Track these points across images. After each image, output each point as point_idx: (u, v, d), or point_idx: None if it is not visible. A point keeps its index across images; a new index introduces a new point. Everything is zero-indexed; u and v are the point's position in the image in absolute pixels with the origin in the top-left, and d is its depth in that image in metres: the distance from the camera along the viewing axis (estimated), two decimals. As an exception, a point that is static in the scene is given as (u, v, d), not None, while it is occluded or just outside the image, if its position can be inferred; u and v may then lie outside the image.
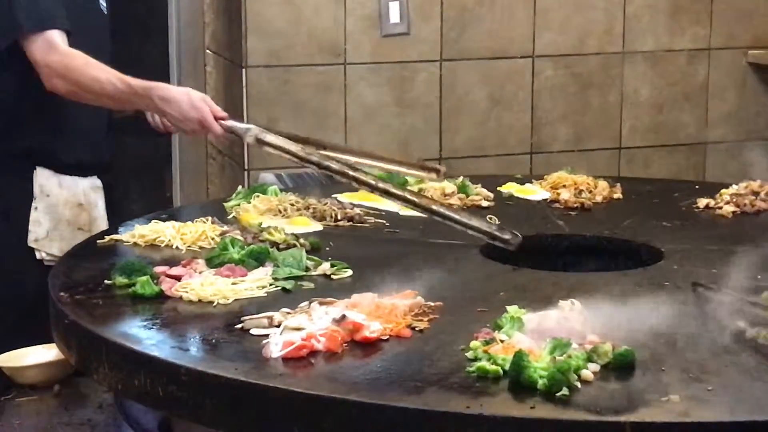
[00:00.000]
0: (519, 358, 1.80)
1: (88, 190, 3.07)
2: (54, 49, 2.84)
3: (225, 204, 3.06)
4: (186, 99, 2.80)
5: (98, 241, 2.73)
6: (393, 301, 2.16)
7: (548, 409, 1.72)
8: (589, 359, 1.86)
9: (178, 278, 2.35)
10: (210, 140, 4.60)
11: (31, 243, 2.98)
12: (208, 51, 4.63)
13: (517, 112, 4.45)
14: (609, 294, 2.22)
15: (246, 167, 4.17)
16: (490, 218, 2.85)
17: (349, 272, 2.45)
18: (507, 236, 2.64)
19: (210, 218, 2.81)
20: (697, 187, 3.41)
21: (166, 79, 4.43)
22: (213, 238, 2.68)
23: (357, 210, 2.98)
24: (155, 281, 2.31)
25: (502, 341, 1.93)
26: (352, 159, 2.95)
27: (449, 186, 3.18)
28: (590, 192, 3.22)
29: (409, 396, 1.78)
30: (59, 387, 2.56)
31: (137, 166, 5.56)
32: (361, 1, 4.18)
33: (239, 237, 2.61)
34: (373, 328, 2.01)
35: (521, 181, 3.38)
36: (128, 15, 4.87)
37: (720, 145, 4.72)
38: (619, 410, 1.72)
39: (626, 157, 4.61)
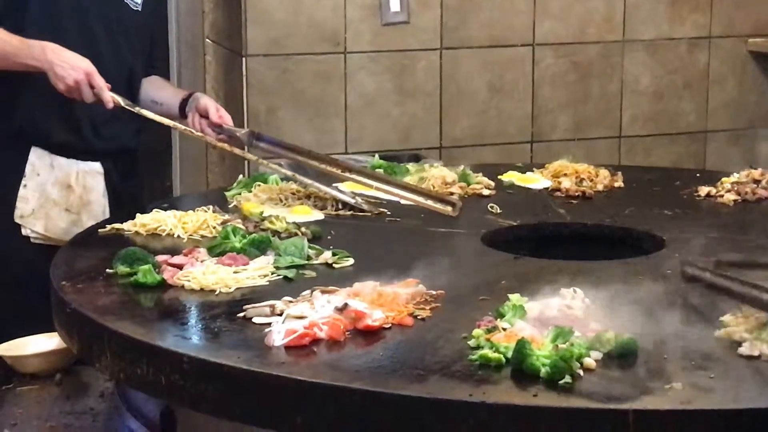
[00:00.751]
0: (521, 346, 1.80)
1: (83, 173, 3.08)
2: None
3: (226, 193, 3.06)
4: (76, 55, 2.86)
5: (99, 230, 2.73)
6: (395, 290, 2.16)
7: (551, 397, 1.73)
8: (592, 347, 1.86)
9: (179, 267, 2.35)
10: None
11: (17, 219, 3.03)
12: (207, 40, 4.62)
13: (517, 101, 4.44)
14: (611, 282, 2.22)
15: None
16: (491, 207, 2.85)
17: (351, 261, 2.45)
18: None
19: (211, 207, 2.81)
20: (698, 175, 3.41)
21: (166, 68, 4.42)
22: (214, 227, 2.68)
23: (358, 199, 2.98)
24: (157, 270, 2.31)
25: (504, 329, 1.93)
26: (373, 183, 3.03)
27: (450, 174, 3.18)
28: (591, 180, 3.22)
29: (411, 384, 1.78)
30: (61, 376, 2.57)
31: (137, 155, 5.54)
32: (361, -11, 4.18)
33: (241, 226, 2.61)
34: (375, 317, 2.01)
35: (522, 170, 3.37)
36: (128, 4, 4.84)
37: (720, 134, 4.72)
38: (621, 398, 1.72)
39: (626, 145, 4.61)
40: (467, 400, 1.72)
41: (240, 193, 3.02)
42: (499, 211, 2.91)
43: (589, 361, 1.82)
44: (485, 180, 3.22)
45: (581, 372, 1.80)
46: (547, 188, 3.22)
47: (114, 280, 2.33)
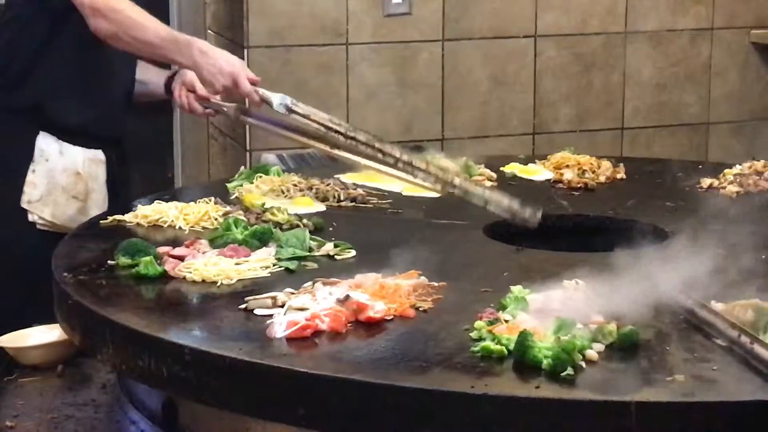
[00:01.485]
0: (523, 338, 1.80)
1: (89, 161, 3.07)
2: None
3: (228, 184, 3.05)
4: (224, 55, 2.87)
5: (101, 222, 2.73)
6: (397, 281, 2.16)
7: (553, 389, 1.72)
8: (594, 339, 1.86)
9: (181, 258, 2.34)
10: (212, 121, 4.60)
11: (24, 204, 3.00)
12: (209, 31, 4.62)
13: (519, 93, 4.44)
14: (613, 274, 2.21)
15: (248, 148, 4.16)
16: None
17: (353, 252, 2.45)
18: (527, 214, 2.63)
19: (213, 199, 2.80)
20: (700, 167, 3.40)
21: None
22: (216, 219, 2.67)
23: (360, 190, 2.98)
24: (158, 261, 2.31)
25: (506, 321, 1.93)
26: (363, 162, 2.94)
27: (452, 166, 3.17)
28: (593, 172, 3.22)
29: (413, 376, 1.78)
30: (62, 367, 2.56)
31: (138, 146, 5.54)
32: (362, -20, 4.17)
33: (242, 217, 2.61)
34: (377, 308, 2.01)
35: (524, 162, 3.37)
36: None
37: (723, 125, 4.71)
38: (624, 390, 1.72)
39: (629, 137, 4.60)
40: (469, 392, 1.71)
41: (242, 185, 3.01)
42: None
43: (592, 353, 1.82)
44: (487, 171, 3.21)
45: (583, 364, 1.79)
46: (549, 180, 3.21)
47: (116, 272, 2.33)
